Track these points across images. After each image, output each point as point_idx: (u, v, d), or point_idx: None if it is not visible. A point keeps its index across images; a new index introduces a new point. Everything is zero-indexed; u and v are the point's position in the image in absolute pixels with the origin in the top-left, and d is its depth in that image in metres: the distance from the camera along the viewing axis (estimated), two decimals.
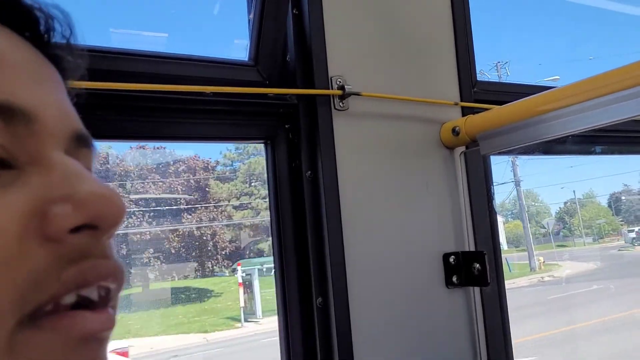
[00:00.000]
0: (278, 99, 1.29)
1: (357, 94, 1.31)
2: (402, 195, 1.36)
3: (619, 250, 26.38)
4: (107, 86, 1.06)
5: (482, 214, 1.46)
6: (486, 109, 1.42)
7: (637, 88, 1.11)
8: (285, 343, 1.29)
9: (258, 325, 14.45)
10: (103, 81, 1.05)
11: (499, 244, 1.51)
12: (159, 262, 17.08)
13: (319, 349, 1.24)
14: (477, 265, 1.34)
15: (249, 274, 16.11)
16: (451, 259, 1.38)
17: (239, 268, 16.22)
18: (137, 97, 1.14)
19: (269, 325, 14.23)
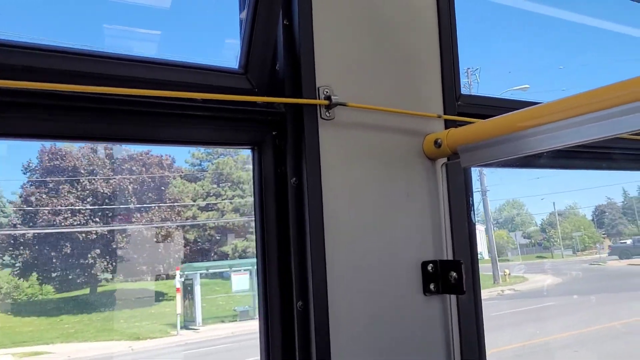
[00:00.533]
0: (266, 106, 1.33)
1: (343, 105, 1.34)
2: (384, 203, 1.40)
3: (591, 264, 26.66)
4: (101, 90, 1.09)
5: (461, 224, 1.50)
6: (468, 122, 1.46)
7: (614, 109, 1.15)
8: (265, 344, 1.32)
9: (196, 333, 14.22)
10: (99, 86, 1.08)
11: (476, 253, 1.55)
12: (105, 263, 16.69)
13: (297, 351, 1.28)
14: (454, 273, 1.39)
15: (190, 279, 15.56)
16: (429, 267, 1.43)
17: (177, 272, 15.73)
18: (130, 102, 1.17)
19: (207, 333, 14.00)
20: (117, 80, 1.15)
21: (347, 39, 1.41)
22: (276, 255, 1.34)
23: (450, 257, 1.46)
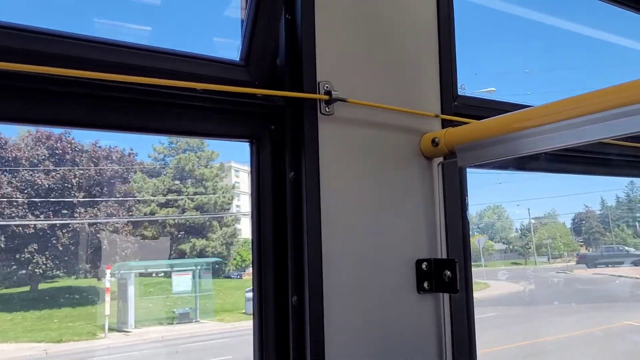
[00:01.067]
0: (266, 99, 1.32)
1: (343, 100, 1.35)
2: (380, 200, 1.41)
3: (557, 272, 26.95)
4: (98, 76, 1.08)
5: (456, 223, 1.51)
6: (465, 123, 1.48)
7: (605, 112, 1.18)
8: (259, 338, 1.31)
9: (126, 336, 13.74)
10: (96, 71, 1.07)
11: (469, 252, 1.57)
12: (43, 259, 16.13)
13: (291, 346, 1.27)
14: (448, 272, 1.39)
15: (125, 278, 15.08)
16: (423, 265, 1.43)
17: (107, 271, 15.12)
18: (126, 89, 1.15)
19: (139, 337, 13.54)
20: (115, 67, 1.14)
21: (349, 35, 1.42)
22: (272, 249, 1.34)
23: (445, 256, 1.47)
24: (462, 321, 1.52)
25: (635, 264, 27.02)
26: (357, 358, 1.32)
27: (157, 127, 1.27)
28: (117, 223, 17.58)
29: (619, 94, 1.18)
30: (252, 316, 1.32)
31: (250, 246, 1.38)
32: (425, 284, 1.43)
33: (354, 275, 1.34)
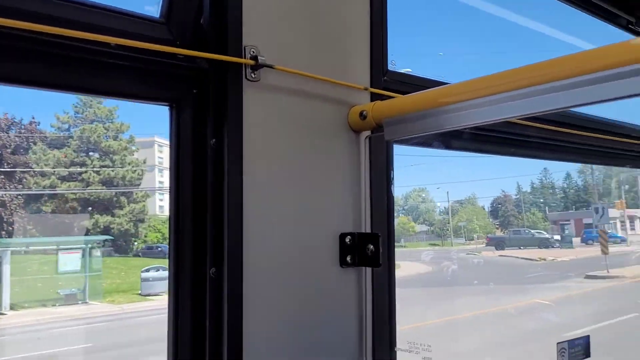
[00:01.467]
0: (188, 61, 1.25)
1: (270, 67, 1.30)
2: (305, 172, 1.38)
3: (467, 254, 28.52)
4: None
5: (381, 197, 1.52)
6: (394, 97, 1.47)
7: (524, 90, 1.20)
8: (174, 316, 1.25)
9: None
10: None
11: (393, 227, 1.58)
12: None
13: (208, 320, 1.22)
14: (371, 246, 1.39)
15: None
16: (347, 239, 1.42)
17: None
18: (32, 39, 1.04)
19: (11, 320, 12.63)
20: (18, 14, 1.02)
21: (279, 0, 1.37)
22: (191, 220, 1.27)
23: (369, 231, 1.47)
24: (383, 296, 1.53)
25: (539, 246, 29.06)
26: (277, 331, 1.29)
27: (66, 84, 1.16)
28: (4, 196, 16.26)
29: (533, 73, 1.21)
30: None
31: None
32: (348, 258, 1.42)
33: (276, 247, 1.31)
